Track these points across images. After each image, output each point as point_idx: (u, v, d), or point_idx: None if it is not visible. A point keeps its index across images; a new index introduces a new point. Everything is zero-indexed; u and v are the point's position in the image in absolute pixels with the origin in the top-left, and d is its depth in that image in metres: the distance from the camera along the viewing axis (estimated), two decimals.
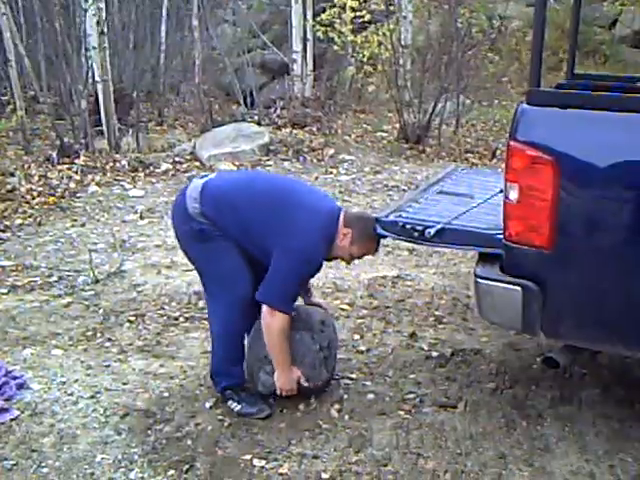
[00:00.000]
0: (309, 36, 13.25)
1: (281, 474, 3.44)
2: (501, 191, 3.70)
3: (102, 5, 10.63)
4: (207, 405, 4.01)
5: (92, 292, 5.72)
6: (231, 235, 3.81)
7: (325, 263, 3.95)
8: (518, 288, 3.34)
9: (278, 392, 3.91)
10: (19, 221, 7.56)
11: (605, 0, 15.76)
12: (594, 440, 3.67)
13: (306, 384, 3.94)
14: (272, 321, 3.75)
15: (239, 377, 3.98)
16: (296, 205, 3.85)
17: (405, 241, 4.07)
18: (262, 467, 3.49)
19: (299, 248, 3.72)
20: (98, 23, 10.50)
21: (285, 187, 4.04)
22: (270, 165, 9.88)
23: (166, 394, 4.14)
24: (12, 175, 8.69)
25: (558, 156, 3.20)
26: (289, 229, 3.74)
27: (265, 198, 3.89)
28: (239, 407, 3.91)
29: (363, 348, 4.71)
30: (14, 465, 3.49)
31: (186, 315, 5.25)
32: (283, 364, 3.86)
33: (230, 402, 3.94)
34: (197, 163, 9.97)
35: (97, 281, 5.90)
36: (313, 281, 5.52)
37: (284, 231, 3.74)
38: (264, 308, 3.76)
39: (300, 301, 4.15)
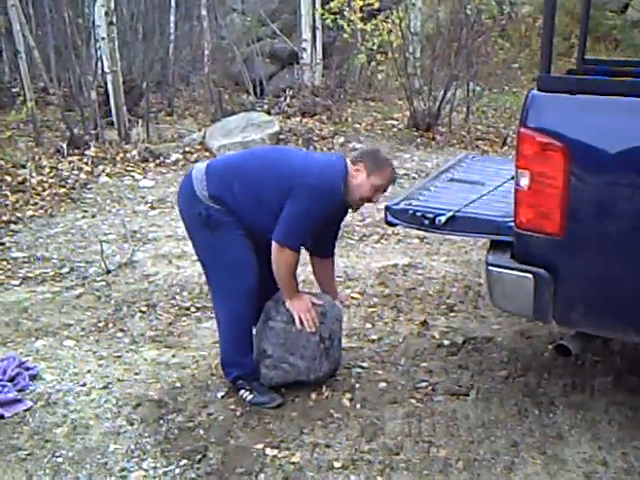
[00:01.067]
0: (318, 24, 13.23)
1: (293, 463, 3.44)
2: (512, 178, 3.68)
3: None
4: (219, 395, 4.02)
5: (103, 283, 5.74)
6: (241, 213, 3.78)
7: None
8: (529, 275, 3.33)
9: (296, 318, 3.87)
10: (30, 213, 7.58)
11: None
12: (607, 428, 3.66)
13: (320, 302, 3.95)
14: (280, 257, 3.73)
15: (250, 367, 3.97)
16: (306, 155, 3.94)
17: (416, 229, 4.06)
18: (274, 456, 3.50)
19: (315, 184, 3.68)
20: (107, 14, 10.51)
21: (291, 148, 4.07)
22: None
23: (178, 384, 4.15)
24: (23, 167, 8.71)
25: (569, 142, 3.18)
26: (304, 171, 3.73)
27: (273, 155, 3.96)
28: (251, 396, 3.91)
29: (374, 337, 4.71)
30: (28, 455, 3.51)
31: (197, 305, 5.26)
32: (291, 292, 3.87)
33: (242, 392, 3.94)
34: (207, 153, 9.97)
35: (108, 272, 5.92)
36: None
37: (299, 175, 3.70)
38: (274, 244, 3.73)
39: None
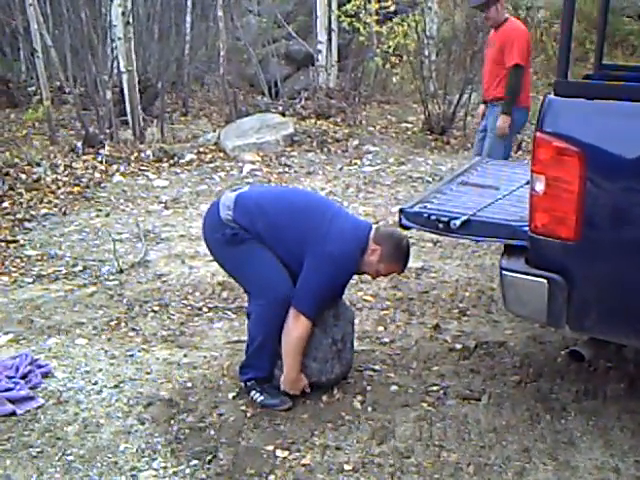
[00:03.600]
0: (334, 27, 13.24)
1: (303, 465, 3.44)
2: (527, 183, 3.67)
3: None
4: (230, 395, 4.02)
5: (116, 282, 5.75)
6: (263, 239, 3.83)
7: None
8: (543, 280, 3.32)
9: (281, 388, 3.92)
10: (44, 211, 7.61)
11: None
12: (619, 435, 3.63)
13: (308, 390, 3.96)
14: (295, 326, 3.78)
15: (266, 370, 3.96)
16: (332, 214, 3.91)
17: (430, 232, 4.06)
18: (285, 458, 3.49)
19: (334, 254, 3.74)
20: (123, 14, 10.55)
21: (319, 198, 4.13)
22: (294, 156, 9.87)
23: (189, 384, 4.15)
24: (38, 165, 8.74)
25: (585, 147, 3.17)
26: (325, 236, 3.77)
27: (299, 206, 3.95)
28: (262, 398, 3.90)
29: (387, 340, 4.70)
30: (39, 453, 3.51)
31: (210, 305, 5.26)
32: (293, 369, 3.88)
33: (253, 393, 3.93)
34: (221, 154, 9.98)
35: (121, 271, 5.93)
36: None
37: (320, 237, 3.76)
38: (291, 310, 3.77)
39: None
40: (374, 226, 4.00)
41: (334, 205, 4.21)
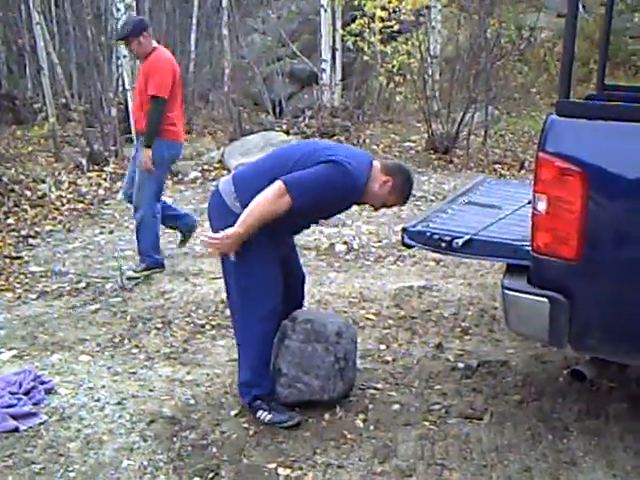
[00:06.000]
0: (338, 45, 13.30)
1: None
2: (529, 202, 3.68)
3: (133, 14, 10.73)
4: (232, 413, 4.02)
5: (120, 299, 5.77)
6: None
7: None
8: (545, 300, 3.33)
9: (209, 242, 3.77)
10: (49, 227, 7.65)
11: (636, 10, 15.64)
12: (622, 455, 3.62)
13: (233, 258, 3.78)
14: (275, 198, 3.58)
15: (268, 388, 3.96)
16: (334, 144, 3.91)
17: (432, 251, 4.07)
18: (287, 476, 3.49)
19: (340, 160, 3.66)
20: None
21: (313, 140, 4.11)
22: None
23: (192, 401, 4.15)
24: (43, 182, 8.80)
25: (587, 167, 3.19)
26: (333, 149, 3.78)
27: (297, 147, 4.03)
28: (270, 416, 3.88)
29: (389, 358, 4.70)
30: (41, 469, 3.52)
31: (212, 323, 5.27)
32: (244, 226, 3.63)
33: (260, 412, 3.90)
34: (225, 172, 10.00)
35: (125, 288, 5.94)
36: (339, 291, 5.55)
37: (326, 151, 3.73)
38: (277, 184, 3.62)
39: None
40: (376, 160, 3.97)
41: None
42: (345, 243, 7.12)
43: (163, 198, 6.55)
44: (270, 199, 3.61)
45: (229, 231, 3.65)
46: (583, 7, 14.78)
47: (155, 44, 6.24)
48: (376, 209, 4.09)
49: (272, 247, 3.83)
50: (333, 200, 3.76)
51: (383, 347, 4.87)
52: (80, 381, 4.37)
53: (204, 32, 15.34)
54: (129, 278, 6.04)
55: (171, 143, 6.19)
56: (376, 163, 3.89)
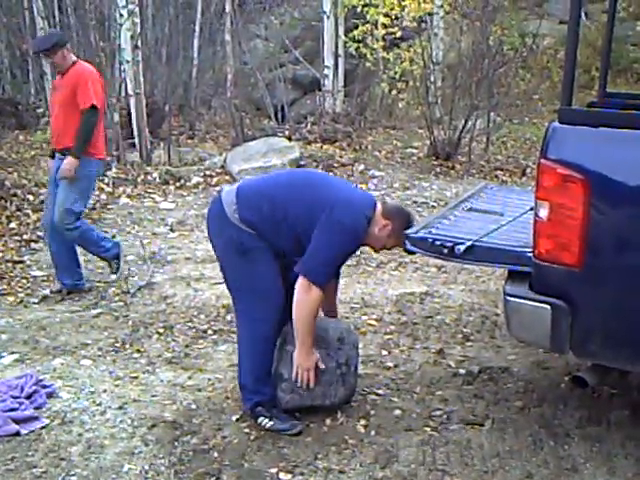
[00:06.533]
0: (340, 52, 13.34)
1: None
2: (531, 209, 3.69)
3: (137, 20, 10.77)
4: (234, 418, 4.02)
5: (121, 303, 5.77)
6: (268, 236, 3.80)
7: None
8: (547, 306, 3.33)
9: (296, 371, 3.85)
10: None
11: (638, 19, 15.68)
12: (623, 462, 3.62)
13: (322, 366, 3.89)
14: (307, 297, 3.71)
15: (270, 394, 3.95)
16: (337, 186, 3.95)
17: (434, 257, 4.07)
18: None
19: (345, 223, 3.72)
20: (132, 37, 10.66)
21: (319, 173, 4.09)
22: None
23: (193, 406, 4.16)
24: (45, 186, 8.78)
25: (589, 174, 3.20)
26: (333, 205, 3.75)
27: (302, 181, 3.98)
28: (271, 423, 3.87)
29: (390, 364, 4.71)
30: (43, 473, 3.52)
31: (214, 328, 5.27)
32: (307, 341, 3.79)
33: (261, 419, 3.90)
34: (227, 177, 10.03)
35: (127, 292, 5.95)
36: (341, 296, 5.54)
37: (328, 207, 3.73)
38: (301, 281, 3.71)
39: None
40: (378, 201, 4.01)
41: (336, 178, 4.22)
42: None
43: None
44: (302, 303, 3.73)
45: (297, 357, 3.82)
46: (585, 14, 14.80)
47: (74, 57, 6.01)
48: (376, 251, 4.17)
49: (275, 257, 3.86)
50: (348, 254, 3.92)
51: (385, 353, 4.87)
52: (82, 385, 4.38)
53: (207, 38, 15.38)
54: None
55: (97, 161, 6.01)
56: (379, 206, 3.94)
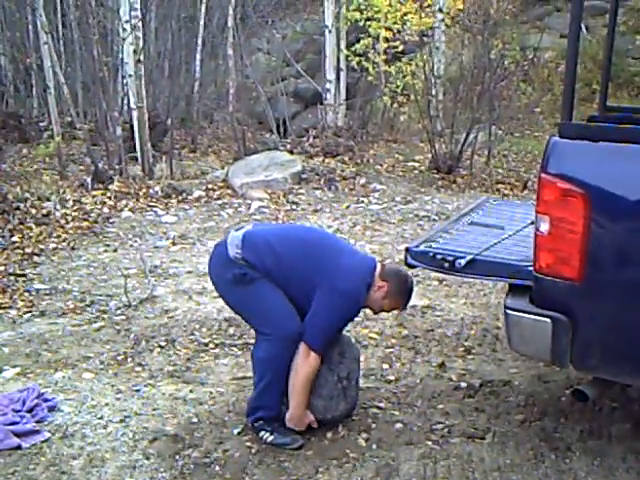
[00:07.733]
0: (342, 65, 13.38)
1: None
2: (532, 223, 3.70)
3: (140, 34, 10.81)
4: (235, 431, 4.02)
5: (123, 317, 5.78)
6: (273, 278, 3.86)
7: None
8: (548, 320, 3.34)
9: (287, 423, 3.93)
10: (53, 245, 7.66)
11: (638, 32, 15.72)
12: (624, 476, 3.62)
13: (315, 426, 3.95)
14: (305, 362, 3.79)
15: (276, 410, 3.95)
16: (339, 250, 3.99)
17: (435, 271, 4.08)
18: None
19: (343, 291, 3.79)
20: (135, 52, 10.69)
21: (325, 235, 4.17)
22: (302, 193, 9.93)
23: (195, 420, 4.16)
24: (48, 200, 8.82)
25: (589, 189, 3.21)
26: (333, 272, 3.81)
27: (306, 243, 4.00)
28: (272, 437, 3.88)
29: (392, 377, 4.71)
30: None
31: (216, 341, 5.28)
32: (301, 405, 3.88)
33: (262, 433, 3.90)
34: (229, 191, 10.05)
35: (129, 306, 5.96)
36: None
37: (328, 273, 3.80)
38: (301, 347, 3.79)
39: None
40: (379, 263, 4.04)
41: (340, 241, 4.28)
42: None
43: None
44: (300, 368, 3.82)
45: (291, 418, 3.91)
46: (586, 28, 14.85)
47: None
48: (375, 313, 4.18)
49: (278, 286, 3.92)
50: (347, 319, 4.01)
51: (386, 366, 4.88)
52: (83, 399, 4.38)
53: (209, 52, 15.45)
54: None
55: None
56: (378, 267, 3.98)
